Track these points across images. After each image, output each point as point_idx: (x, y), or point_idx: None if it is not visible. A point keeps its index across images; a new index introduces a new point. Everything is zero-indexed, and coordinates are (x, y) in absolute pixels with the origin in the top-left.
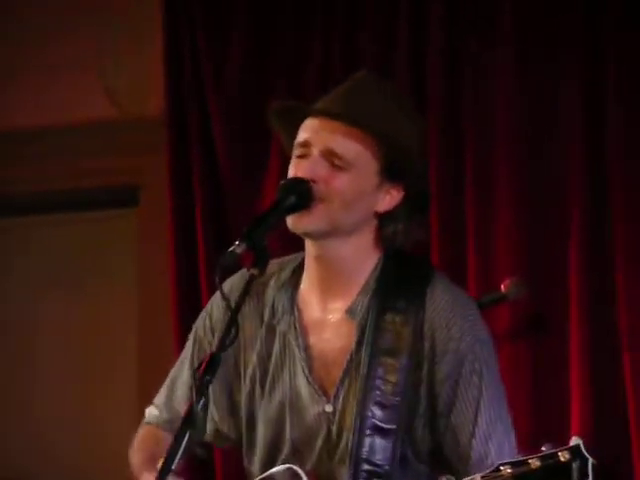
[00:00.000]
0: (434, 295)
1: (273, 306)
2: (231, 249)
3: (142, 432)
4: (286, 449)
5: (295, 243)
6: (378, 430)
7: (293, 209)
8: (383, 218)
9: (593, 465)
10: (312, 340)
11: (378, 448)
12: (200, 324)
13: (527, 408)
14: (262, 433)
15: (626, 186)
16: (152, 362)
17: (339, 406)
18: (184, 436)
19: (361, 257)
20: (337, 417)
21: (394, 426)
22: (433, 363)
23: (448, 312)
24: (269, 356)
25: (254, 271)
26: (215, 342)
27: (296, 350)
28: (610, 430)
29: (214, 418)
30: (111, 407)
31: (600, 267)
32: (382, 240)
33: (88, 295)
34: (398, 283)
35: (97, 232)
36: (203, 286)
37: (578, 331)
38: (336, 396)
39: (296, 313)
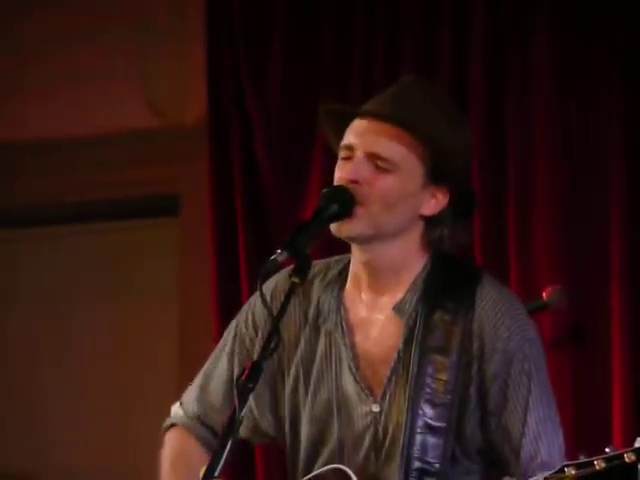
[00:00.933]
0: (483, 295)
1: (318, 305)
2: (273, 257)
3: (171, 438)
4: (331, 448)
5: (338, 252)
6: (429, 428)
7: (335, 217)
8: (429, 222)
9: None
10: (358, 339)
11: (429, 446)
12: (242, 319)
13: (568, 419)
14: (306, 432)
15: None
16: (192, 372)
17: (386, 405)
18: (227, 444)
19: (408, 259)
20: (384, 416)
21: (444, 424)
22: (482, 362)
23: (497, 311)
24: (314, 355)
25: (295, 279)
26: (257, 340)
27: (343, 349)
28: None
29: (253, 414)
30: (150, 418)
31: None
32: (429, 243)
33: (128, 303)
34: (447, 283)
35: (137, 241)
36: (244, 294)
37: (620, 342)
38: (383, 395)
39: (342, 312)
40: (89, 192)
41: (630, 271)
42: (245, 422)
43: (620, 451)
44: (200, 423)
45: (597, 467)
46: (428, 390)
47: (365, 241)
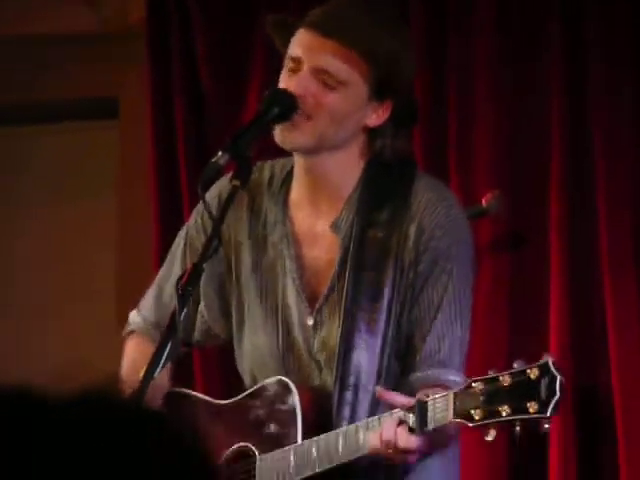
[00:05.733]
0: (417, 198)
1: (266, 215)
2: (214, 159)
3: (129, 346)
4: (275, 360)
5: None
6: (365, 345)
7: (277, 120)
8: (371, 132)
9: (561, 383)
10: (304, 251)
11: (365, 363)
12: (192, 224)
13: (504, 326)
14: (250, 341)
15: (607, 105)
16: (131, 275)
17: (322, 320)
18: (166, 346)
19: (348, 170)
20: (321, 331)
21: (380, 340)
22: (416, 265)
23: (432, 211)
24: (260, 265)
25: (236, 182)
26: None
27: (288, 261)
28: (588, 348)
29: (205, 317)
30: (86, 322)
31: (581, 185)
32: (369, 154)
33: (68, 207)
34: (381, 193)
35: (77, 143)
36: (185, 196)
37: (558, 249)
38: (319, 310)
39: (288, 224)
40: (26, 93)
41: (569, 176)
42: (198, 325)
43: (525, 367)
44: (158, 330)
45: (503, 383)
46: (364, 306)
47: (308, 152)
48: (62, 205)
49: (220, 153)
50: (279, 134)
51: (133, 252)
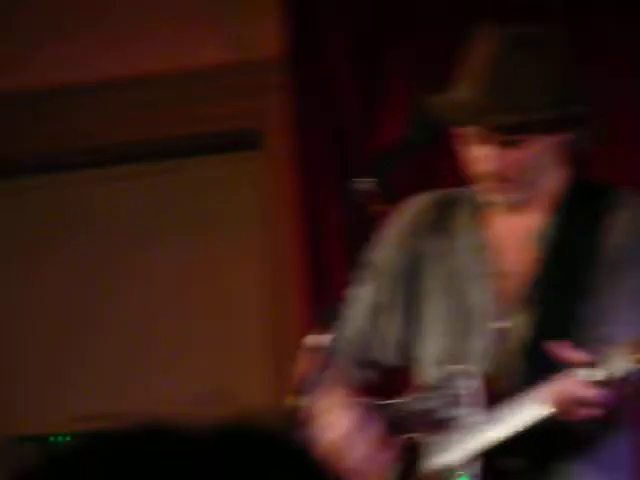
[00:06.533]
0: (621, 209)
1: (456, 224)
2: (356, 186)
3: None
4: (460, 362)
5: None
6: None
7: (420, 145)
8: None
9: None
10: (496, 257)
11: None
12: (376, 255)
13: None
14: (437, 345)
15: None
16: (281, 311)
17: (517, 322)
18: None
19: (551, 180)
20: (512, 333)
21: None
22: (609, 267)
23: (632, 221)
24: (451, 272)
25: (380, 208)
26: (398, 260)
27: (481, 266)
28: None
29: (396, 334)
30: (235, 361)
31: None
32: (568, 153)
33: (213, 241)
34: (584, 213)
35: (219, 176)
36: (331, 223)
37: None
38: (513, 313)
39: (480, 232)
40: (168, 128)
41: None
42: (393, 345)
43: None
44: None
45: None
46: (552, 322)
47: (523, 201)
48: (206, 239)
49: (362, 179)
50: (489, 196)
51: (283, 287)
